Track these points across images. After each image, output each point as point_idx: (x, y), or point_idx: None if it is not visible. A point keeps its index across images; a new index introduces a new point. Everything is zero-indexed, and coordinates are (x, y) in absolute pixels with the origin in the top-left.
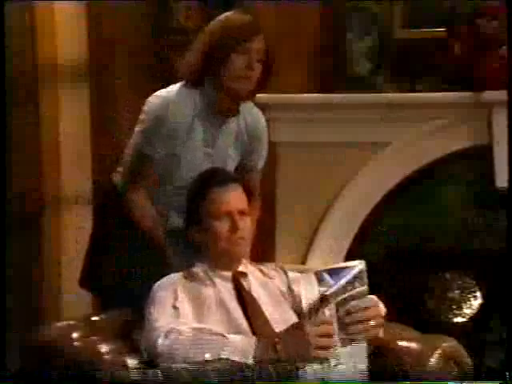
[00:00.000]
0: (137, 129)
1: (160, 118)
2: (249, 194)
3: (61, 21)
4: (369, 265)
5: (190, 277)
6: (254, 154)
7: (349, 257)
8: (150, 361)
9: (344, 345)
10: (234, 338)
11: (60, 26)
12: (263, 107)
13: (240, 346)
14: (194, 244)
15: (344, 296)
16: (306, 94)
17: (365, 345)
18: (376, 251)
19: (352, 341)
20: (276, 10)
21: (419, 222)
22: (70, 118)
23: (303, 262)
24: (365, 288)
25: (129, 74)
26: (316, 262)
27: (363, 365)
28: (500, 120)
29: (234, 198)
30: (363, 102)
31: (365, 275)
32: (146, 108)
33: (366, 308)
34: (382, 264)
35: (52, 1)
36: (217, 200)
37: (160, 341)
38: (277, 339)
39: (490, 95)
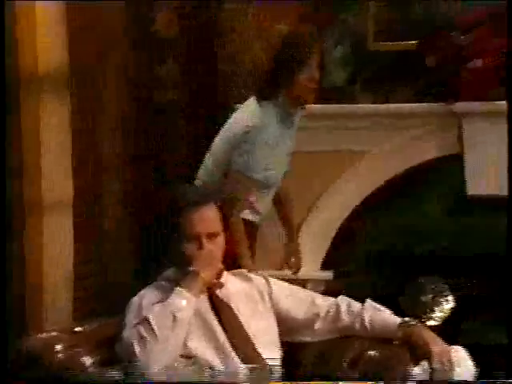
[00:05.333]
0: (239, 159)
1: (256, 145)
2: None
3: (42, 31)
4: (346, 269)
5: (163, 289)
6: None
7: (327, 261)
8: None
9: None
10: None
11: (41, 36)
12: None
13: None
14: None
15: None
16: None
17: None
18: (353, 256)
19: None
20: (252, 21)
21: (395, 227)
22: (51, 127)
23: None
24: None
25: (110, 83)
26: None
27: None
28: (471, 130)
29: (202, 220)
30: (340, 113)
31: None
32: (243, 140)
33: None
34: (359, 268)
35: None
36: (186, 222)
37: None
38: None
39: (461, 106)
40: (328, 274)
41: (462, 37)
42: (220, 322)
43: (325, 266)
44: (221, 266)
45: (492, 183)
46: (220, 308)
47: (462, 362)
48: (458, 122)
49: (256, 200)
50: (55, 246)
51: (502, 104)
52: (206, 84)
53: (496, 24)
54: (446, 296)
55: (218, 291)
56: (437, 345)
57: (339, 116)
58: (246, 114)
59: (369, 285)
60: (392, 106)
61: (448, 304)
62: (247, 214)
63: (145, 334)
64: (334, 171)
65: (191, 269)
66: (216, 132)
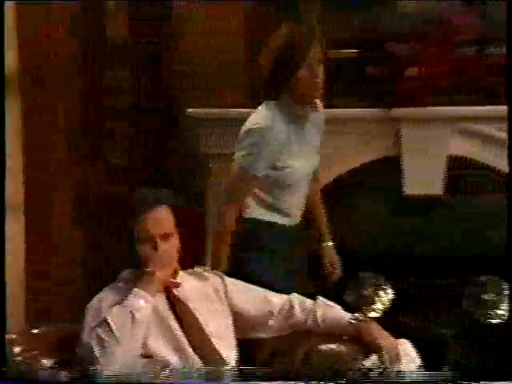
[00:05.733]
0: (241, 153)
1: (262, 143)
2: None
3: None
4: None
5: (119, 296)
6: None
7: None
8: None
9: None
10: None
11: None
12: (197, 121)
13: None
14: None
15: None
16: (233, 109)
17: None
18: None
19: None
20: (203, 29)
21: (336, 226)
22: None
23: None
24: None
25: (60, 86)
26: None
27: None
28: (408, 133)
29: (156, 222)
30: None
31: None
32: (247, 136)
33: None
34: None
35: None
36: (140, 224)
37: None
38: None
39: (399, 111)
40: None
41: (399, 46)
42: (178, 320)
43: None
44: (176, 265)
45: (428, 184)
46: (177, 306)
47: (408, 354)
48: (397, 127)
49: (275, 200)
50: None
51: (437, 109)
52: (158, 86)
53: (430, 34)
54: (385, 289)
55: (174, 290)
56: (385, 339)
57: None
58: (254, 115)
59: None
60: (334, 111)
61: (387, 296)
62: (265, 215)
63: (104, 336)
64: None
65: (147, 269)
66: (169, 134)
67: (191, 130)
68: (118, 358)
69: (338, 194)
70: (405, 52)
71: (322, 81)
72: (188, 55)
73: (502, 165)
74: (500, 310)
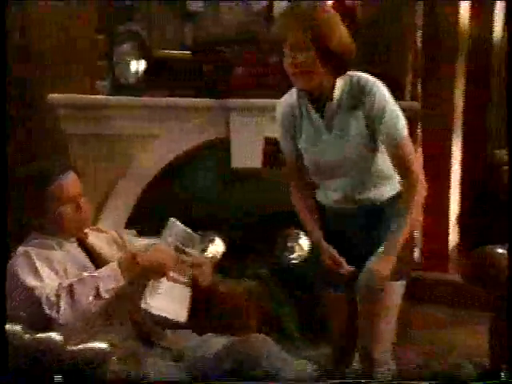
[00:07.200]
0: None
1: (280, 120)
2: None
3: None
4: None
5: (41, 248)
6: (383, 125)
7: (128, 225)
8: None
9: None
10: (99, 271)
11: None
12: (56, 106)
13: (107, 273)
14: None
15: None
16: (90, 96)
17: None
18: (150, 218)
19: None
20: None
21: (182, 196)
22: None
23: None
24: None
25: None
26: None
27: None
28: (235, 120)
29: (73, 184)
30: (137, 104)
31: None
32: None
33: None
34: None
35: None
36: (61, 188)
37: (54, 299)
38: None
39: (229, 102)
40: (132, 231)
41: (228, 49)
42: (92, 261)
43: (128, 226)
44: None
45: (250, 158)
46: (90, 251)
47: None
48: (227, 114)
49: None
50: None
51: (257, 101)
52: (16, 73)
53: (251, 41)
54: (215, 243)
55: (87, 240)
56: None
57: (136, 107)
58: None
59: None
60: (176, 100)
61: (217, 248)
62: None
63: (61, 302)
64: (133, 151)
65: (129, 252)
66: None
67: (50, 113)
68: (66, 321)
69: (180, 169)
70: (232, 55)
71: (297, 68)
72: (44, 43)
73: None
74: (295, 254)
